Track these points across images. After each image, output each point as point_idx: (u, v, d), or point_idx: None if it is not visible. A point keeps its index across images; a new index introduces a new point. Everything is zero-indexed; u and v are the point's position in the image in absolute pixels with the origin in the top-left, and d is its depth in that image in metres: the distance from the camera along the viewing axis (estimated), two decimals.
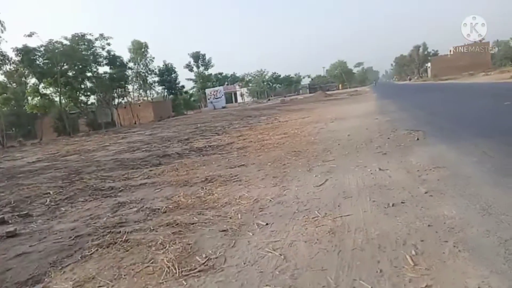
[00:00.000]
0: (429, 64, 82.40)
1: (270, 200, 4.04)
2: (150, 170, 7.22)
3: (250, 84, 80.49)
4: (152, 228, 3.60)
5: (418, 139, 6.44)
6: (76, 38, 29.67)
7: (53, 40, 27.89)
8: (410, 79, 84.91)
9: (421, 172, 4.28)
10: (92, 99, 36.89)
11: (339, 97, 36.36)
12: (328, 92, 50.96)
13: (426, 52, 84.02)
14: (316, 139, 8.53)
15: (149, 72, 38.56)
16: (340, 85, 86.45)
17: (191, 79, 51.67)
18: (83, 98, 34.82)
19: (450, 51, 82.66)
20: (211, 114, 32.50)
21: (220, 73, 58.68)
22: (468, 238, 2.35)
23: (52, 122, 34.54)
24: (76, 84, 28.95)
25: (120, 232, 3.67)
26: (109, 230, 3.80)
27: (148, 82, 39.02)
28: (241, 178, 5.39)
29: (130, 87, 36.69)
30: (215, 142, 10.94)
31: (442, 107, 11.77)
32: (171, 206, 4.31)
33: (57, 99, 30.38)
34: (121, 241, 3.35)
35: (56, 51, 27.43)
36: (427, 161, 4.70)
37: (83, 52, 30.96)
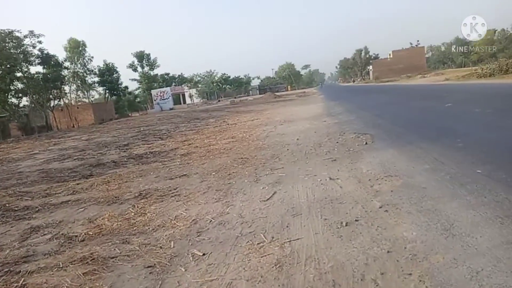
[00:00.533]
0: (371, 67, 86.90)
1: (211, 221, 3.51)
2: (78, 184, 6.32)
3: (200, 85, 79.04)
4: (61, 266, 2.89)
5: (366, 143, 6.27)
6: (2, 34, 26.72)
7: None
8: (353, 81, 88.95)
9: (372, 181, 4.00)
10: (25, 101, 33.65)
11: (288, 98, 36.71)
12: (277, 93, 51.39)
13: (367, 56, 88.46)
14: (264, 143, 8.13)
15: (88, 72, 35.99)
16: (288, 87, 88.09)
17: (135, 80, 49.19)
18: (13, 100, 31.58)
19: (390, 54, 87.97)
20: (157, 116, 31.05)
21: (167, 74, 56.60)
22: (435, 269, 2.01)
23: None
24: (3, 85, 25.97)
25: (20, 272, 2.92)
26: (7, 269, 3.02)
27: (87, 82, 36.31)
28: (180, 192, 4.79)
29: (67, 88, 33.86)
30: (157, 148, 10.14)
31: (387, 109, 12.02)
32: (91, 232, 3.61)
33: None
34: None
35: None
36: (378, 169, 4.46)
37: (11, 50, 28.01)
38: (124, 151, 10.23)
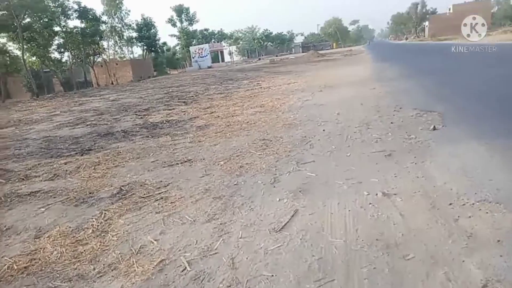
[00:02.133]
0: (427, 23, 78.67)
1: (184, 269, 2.18)
2: (66, 163, 5.27)
3: (240, 42, 76.37)
4: None
5: (434, 127, 4.52)
6: None
7: None
8: (406, 39, 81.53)
9: (457, 209, 2.43)
10: (66, 56, 33.80)
11: (332, 57, 33.82)
12: (321, 52, 47.95)
13: (424, 10, 79.81)
14: (296, 118, 6.58)
15: (126, 27, 35.14)
16: (334, 44, 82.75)
17: (174, 35, 47.61)
18: (56, 55, 31.83)
19: (449, 9, 78.74)
20: (193, 75, 29.90)
21: (206, 30, 54.30)
22: None
23: (25, 81, 31.67)
24: (42, 40, 25.80)
25: None
26: None
27: (124, 38, 35.62)
28: (169, 194, 3.50)
29: (105, 43, 33.41)
30: (176, 115, 8.95)
31: (454, 76, 9.75)
32: (16, 266, 2.44)
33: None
34: None
35: (15, 1, 24.09)
36: (462, 182, 2.84)
37: (50, 4, 27.56)
38: (141, 118, 9.16)
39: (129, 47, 37.89)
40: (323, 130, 5.29)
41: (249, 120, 7.00)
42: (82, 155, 5.82)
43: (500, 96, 6.16)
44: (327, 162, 3.86)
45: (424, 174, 3.12)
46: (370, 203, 2.71)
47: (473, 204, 2.46)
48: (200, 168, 4.25)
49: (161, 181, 3.92)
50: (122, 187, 3.85)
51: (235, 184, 3.52)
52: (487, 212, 2.31)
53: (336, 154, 4.09)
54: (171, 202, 3.26)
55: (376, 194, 2.84)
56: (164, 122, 8.20)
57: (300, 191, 3.14)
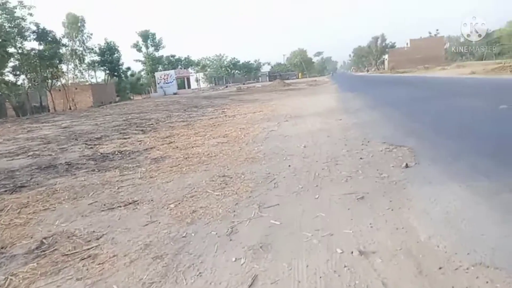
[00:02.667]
0: (386, 56, 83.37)
1: None
2: None
3: (208, 69, 76.76)
4: None
5: (407, 165, 4.20)
6: None
7: None
8: (367, 71, 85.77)
9: (448, 275, 1.99)
10: (22, 79, 31.92)
11: (298, 87, 34.40)
12: (287, 81, 48.88)
13: (384, 44, 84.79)
14: (260, 150, 6.11)
15: (87, 51, 33.92)
16: (299, 74, 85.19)
17: (139, 61, 46.96)
18: (10, 77, 29.97)
19: (407, 44, 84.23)
20: (157, 101, 29.13)
21: (173, 56, 53.99)
22: None
23: None
24: None
25: None
26: None
27: (85, 61, 34.35)
28: (98, 251, 2.83)
29: (64, 67, 31.97)
30: (131, 145, 8.23)
31: (418, 107, 9.82)
32: None
33: None
34: None
35: None
36: (450, 236, 2.43)
37: (5, 24, 26.16)
38: (91, 147, 8.34)
39: (91, 71, 36.53)
40: (289, 165, 4.84)
41: (209, 152, 6.45)
42: (11, 193, 4.97)
43: (468, 128, 6.06)
44: (293, 205, 3.36)
45: (403, 224, 2.69)
46: (345, 266, 2.21)
47: (467, 269, 2.03)
48: (145, 212, 3.61)
49: (94, 231, 3.23)
50: (44, 240, 3.12)
51: (183, 237, 2.92)
52: (487, 282, 1.88)
53: (303, 195, 3.61)
54: (100, 263, 2.60)
55: (352, 252, 2.35)
56: (116, 153, 7.47)
57: (261, 247, 2.60)
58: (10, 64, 29.20)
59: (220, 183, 4.33)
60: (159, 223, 3.28)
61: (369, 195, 3.41)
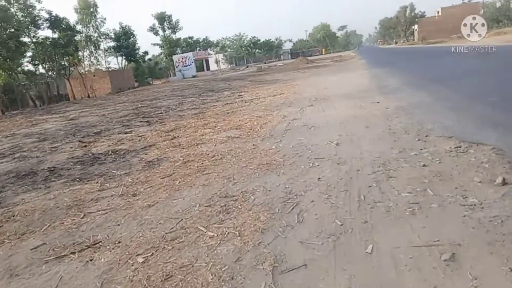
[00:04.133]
0: (416, 27, 78.23)
1: None
2: None
3: (228, 50, 74.75)
4: None
5: (504, 181, 2.68)
6: None
7: None
8: (396, 43, 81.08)
9: None
10: (42, 68, 31.54)
11: (322, 63, 32.30)
12: (310, 58, 46.52)
13: (413, 14, 79.39)
14: (279, 150, 4.73)
15: (102, 36, 32.98)
16: (323, 50, 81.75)
17: (157, 44, 45.61)
18: (30, 67, 29.60)
19: (438, 12, 78.52)
20: (174, 85, 28.06)
21: (191, 37, 52.21)
22: None
23: None
24: (6, 52, 23.56)
25: None
26: None
27: (100, 47, 33.53)
28: None
29: (80, 54, 31.20)
30: (130, 141, 7.12)
31: (478, 82, 7.99)
32: None
33: None
34: None
35: None
36: None
37: (18, 13, 25.51)
38: (85, 146, 7.25)
39: (108, 57, 35.68)
40: (319, 178, 3.42)
41: (215, 153, 5.13)
42: None
43: None
44: (330, 271, 1.98)
45: None
46: None
47: None
48: (100, 271, 2.34)
49: None
50: None
51: None
52: None
53: (346, 245, 2.21)
54: None
55: None
56: (109, 153, 6.36)
57: None
58: (28, 54, 28.80)
59: (219, 211, 3.00)
60: None
61: (463, 249, 1.96)
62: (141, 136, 7.58)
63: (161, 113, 11.15)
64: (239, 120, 7.72)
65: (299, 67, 30.21)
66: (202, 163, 4.70)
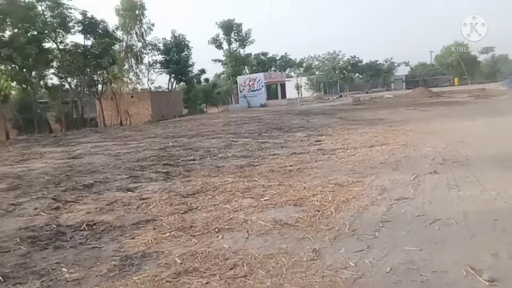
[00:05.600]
0: None
1: None
2: None
3: (316, 72, 75.20)
4: None
5: None
6: None
7: None
8: None
9: None
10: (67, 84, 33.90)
11: (454, 98, 30.10)
12: (435, 90, 44.19)
13: None
14: (359, 284, 3.27)
15: (148, 47, 34.83)
16: (456, 80, 77.90)
17: (218, 60, 46.89)
18: (53, 81, 31.95)
19: None
20: (232, 116, 28.03)
21: (264, 54, 53.14)
22: None
23: (11, 114, 32.04)
24: (20, 60, 25.47)
25: None
26: None
27: (144, 61, 35.32)
28: None
29: (117, 68, 33.06)
30: (122, 209, 6.48)
31: None
32: None
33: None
34: None
35: None
36: None
37: (46, 13, 27.92)
38: (57, 208, 6.51)
39: (151, 75, 37.29)
40: None
41: (239, 259, 4.05)
42: None
43: None
44: None
45: None
46: None
47: None
48: None
49: None
50: None
51: None
52: None
53: None
54: None
55: None
56: (83, 227, 5.53)
57: None
58: (54, 64, 31.05)
59: None
60: None
61: None
62: (145, 199, 6.74)
63: (193, 159, 10.48)
64: (304, 188, 6.59)
65: (417, 102, 28.96)
66: (206, 284, 3.40)
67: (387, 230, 4.40)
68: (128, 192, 7.33)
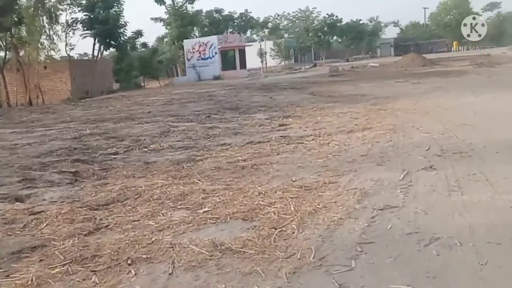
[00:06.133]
0: None
1: None
2: None
3: (284, 34, 75.30)
4: None
5: None
6: None
7: None
8: None
9: None
10: None
11: (453, 67, 30.58)
12: (430, 56, 44.93)
13: None
14: None
15: (65, 1, 33.66)
16: (454, 44, 79.71)
17: (160, 19, 46.36)
18: None
19: None
20: (176, 92, 27.84)
21: (219, 10, 52.95)
22: None
23: None
24: None
25: None
26: None
27: (60, 20, 34.31)
28: None
29: (25, 29, 32.05)
30: None
31: None
32: None
33: None
34: None
35: None
36: None
37: None
38: None
39: (70, 38, 36.19)
40: None
41: None
42: None
43: None
44: None
45: None
46: None
47: None
48: None
49: None
50: None
51: None
52: None
53: None
54: None
55: None
56: None
57: None
58: None
59: None
60: None
61: None
62: (36, 213, 6.30)
63: (115, 153, 10.18)
64: (259, 194, 6.39)
65: (408, 73, 29.70)
66: None
67: (368, 256, 4.05)
68: (16, 203, 6.87)
